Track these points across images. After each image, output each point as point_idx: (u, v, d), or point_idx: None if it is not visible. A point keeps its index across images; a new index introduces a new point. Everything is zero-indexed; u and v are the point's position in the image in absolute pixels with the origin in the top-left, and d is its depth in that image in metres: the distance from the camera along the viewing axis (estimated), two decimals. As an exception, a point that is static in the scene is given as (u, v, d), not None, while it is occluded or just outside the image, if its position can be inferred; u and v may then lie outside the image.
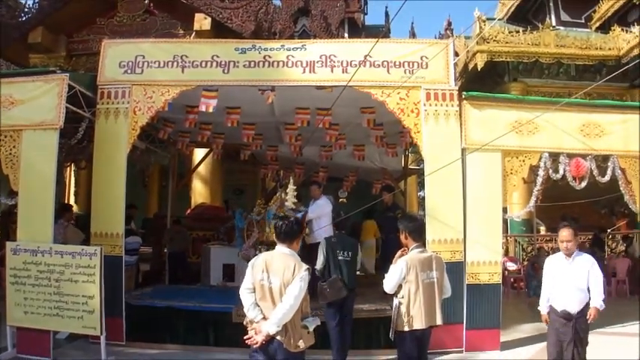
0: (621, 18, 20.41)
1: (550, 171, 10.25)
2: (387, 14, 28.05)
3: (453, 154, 9.72)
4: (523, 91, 18.91)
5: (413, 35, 25.84)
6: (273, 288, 5.47)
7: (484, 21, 19.02)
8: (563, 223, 7.48)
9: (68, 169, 18.80)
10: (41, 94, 9.45)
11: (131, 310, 10.08)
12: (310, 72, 10.21)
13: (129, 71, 10.35)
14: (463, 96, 10.19)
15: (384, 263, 9.63)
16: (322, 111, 11.00)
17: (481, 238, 9.86)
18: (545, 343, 10.02)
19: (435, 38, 19.86)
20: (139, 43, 11.03)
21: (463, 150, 9.95)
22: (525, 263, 17.17)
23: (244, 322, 5.67)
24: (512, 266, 16.60)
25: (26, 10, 17.75)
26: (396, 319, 6.65)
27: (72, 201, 20.15)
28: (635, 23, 18.52)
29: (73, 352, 9.37)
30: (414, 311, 6.48)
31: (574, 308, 7.14)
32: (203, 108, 10.31)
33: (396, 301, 6.69)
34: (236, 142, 14.60)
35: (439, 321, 6.61)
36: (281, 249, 5.76)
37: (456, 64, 10.52)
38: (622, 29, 19.04)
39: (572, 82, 19.02)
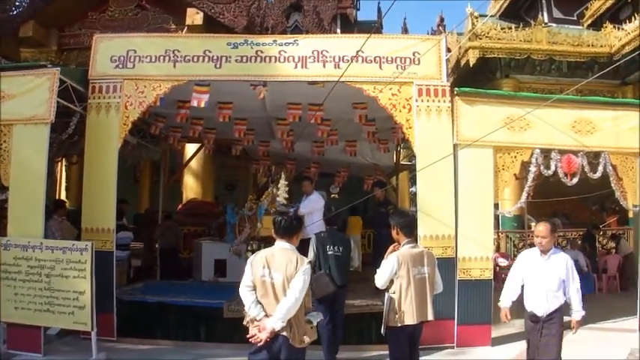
0: (613, 15, 20.42)
1: (541, 167, 10.26)
2: (379, 10, 28.01)
3: (445, 150, 9.73)
4: (515, 88, 18.89)
5: (405, 31, 25.76)
6: (275, 283, 5.43)
7: (476, 17, 19.01)
8: (549, 218, 7.30)
9: (59, 164, 18.72)
10: (32, 88, 9.42)
11: (122, 306, 10.07)
12: (302, 67, 10.22)
13: (120, 66, 10.33)
14: (455, 92, 10.20)
15: (375, 259, 9.63)
16: (314, 106, 10.99)
17: (472, 233, 9.88)
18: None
19: (428, 34, 19.81)
20: (131, 38, 11.04)
21: (455, 146, 9.96)
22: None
23: (245, 322, 5.61)
24: (503, 262, 16.59)
25: (17, 3, 17.66)
26: (388, 314, 6.65)
27: (63, 196, 20.06)
28: (627, 20, 18.54)
29: (64, 348, 9.35)
30: (405, 307, 6.48)
31: (541, 311, 6.80)
32: (195, 103, 10.31)
33: (387, 297, 6.69)
34: (228, 138, 14.62)
35: (430, 316, 6.62)
36: (281, 244, 5.71)
37: (448, 60, 10.53)
38: (614, 26, 19.03)
39: (564, 79, 19.00)
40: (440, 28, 22.91)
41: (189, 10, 16.46)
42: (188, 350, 9.55)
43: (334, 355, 8.67)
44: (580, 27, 21.47)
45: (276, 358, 5.39)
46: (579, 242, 16.84)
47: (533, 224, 19.68)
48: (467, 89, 10.59)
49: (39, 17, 17.02)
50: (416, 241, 7.56)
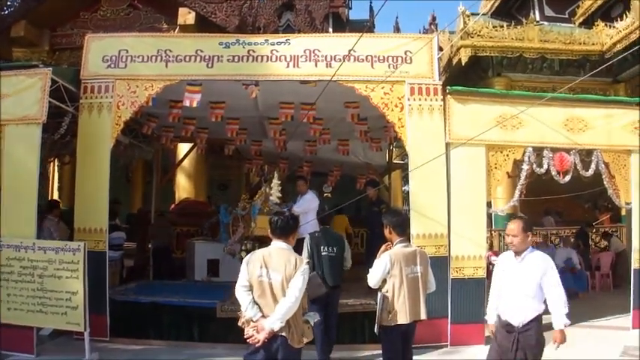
0: (605, 13, 20.47)
1: (534, 165, 10.29)
2: (371, 9, 27.97)
3: (437, 149, 9.74)
4: (507, 86, 18.91)
5: (397, 30, 25.73)
6: (273, 284, 5.43)
7: (468, 16, 19.01)
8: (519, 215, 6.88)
9: (52, 164, 18.69)
10: (24, 88, 9.40)
11: (115, 306, 10.05)
12: (294, 66, 10.22)
13: (112, 66, 10.31)
14: (447, 90, 10.22)
15: (368, 258, 9.64)
16: (306, 105, 10.99)
17: (465, 232, 9.89)
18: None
19: (420, 33, 19.82)
20: (123, 38, 11.02)
21: (447, 144, 9.98)
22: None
23: (240, 323, 5.60)
24: (496, 260, 16.61)
25: (9, 3, 17.67)
26: (381, 313, 6.66)
27: (56, 196, 20.03)
28: (619, 18, 18.58)
29: (57, 349, 9.32)
30: (398, 306, 6.49)
31: (517, 319, 6.04)
32: (187, 103, 10.30)
33: (380, 296, 6.70)
34: (220, 137, 14.60)
35: (423, 315, 6.62)
36: (278, 244, 5.72)
37: (440, 59, 10.55)
38: (605, 24, 19.08)
39: (555, 77, 19.05)
40: (432, 26, 22.88)
41: (181, 10, 16.44)
42: (181, 350, 9.53)
43: (328, 354, 8.67)
44: (572, 25, 21.51)
45: (273, 358, 5.39)
46: (572, 240, 16.89)
47: (525, 222, 19.77)
48: (459, 88, 10.61)
49: (31, 17, 16.97)
50: (409, 240, 7.57)
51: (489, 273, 14.19)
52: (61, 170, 20.65)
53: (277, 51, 10.28)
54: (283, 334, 5.33)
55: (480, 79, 19.89)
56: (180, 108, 11.15)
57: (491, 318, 6.55)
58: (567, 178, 10.40)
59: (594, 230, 18.69)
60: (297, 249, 8.64)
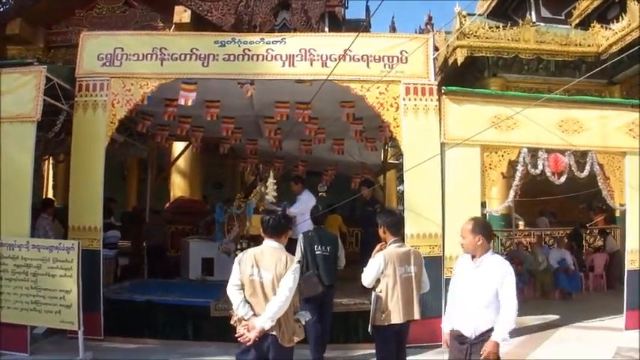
0: (601, 15, 20.50)
1: (529, 166, 10.31)
2: (367, 9, 28.05)
3: (432, 149, 9.77)
4: (503, 87, 18.91)
5: (393, 30, 25.75)
6: (264, 283, 5.45)
7: (464, 16, 19.00)
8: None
9: (46, 162, 18.64)
10: (18, 86, 9.37)
11: (109, 305, 10.04)
12: (290, 65, 10.21)
13: (107, 64, 10.29)
14: (442, 91, 10.23)
15: (362, 257, 9.64)
16: (302, 105, 11.03)
17: (459, 232, 9.88)
18: (523, 337, 10.17)
19: (416, 33, 19.84)
20: (118, 36, 10.96)
21: (442, 145, 10.00)
22: (504, 257, 17.21)
23: (232, 322, 5.61)
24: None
25: (4, 1, 17.61)
26: (374, 313, 6.68)
27: (50, 194, 20.00)
28: (615, 20, 18.61)
29: (51, 347, 9.31)
30: (391, 305, 6.50)
31: (469, 329, 5.56)
32: (182, 101, 10.29)
33: (374, 296, 6.71)
34: (215, 136, 14.57)
35: (417, 315, 6.64)
36: (269, 243, 5.73)
37: (435, 59, 10.59)
38: (601, 26, 19.09)
39: (551, 78, 19.05)
40: (428, 26, 22.93)
41: (177, 8, 16.38)
42: (175, 349, 9.53)
43: (322, 353, 8.67)
44: (568, 26, 21.55)
45: (264, 357, 5.40)
46: (566, 241, 16.94)
47: (520, 223, 19.89)
48: (454, 88, 10.62)
49: (26, 14, 16.89)
50: (403, 240, 7.58)
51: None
52: (55, 168, 20.58)
53: (273, 50, 10.27)
54: (274, 333, 5.34)
55: (476, 79, 19.89)
56: (175, 106, 11.12)
57: (446, 326, 6.02)
58: (562, 179, 10.43)
59: (588, 231, 18.74)
60: (292, 248, 8.71)
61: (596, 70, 11.96)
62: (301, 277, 8.33)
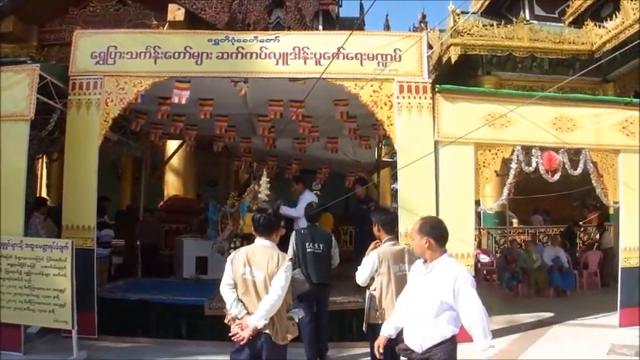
0: (594, 13, 20.55)
1: (522, 164, 10.33)
2: (361, 7, 28.01)
3: (426, 147, 9.76)
4: (496, 85, 18.98)
5: (387, 28, 25.84)
6: (256, 281, 5.45)
7: (458, 14, 19.05)
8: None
9: (40, 160, 18.62)
10: (11, 84, 9.32)
11: (103, 304, 10.00)
12: (283, 64, 10.20)
13: (101, 62, 10.26)
14: (436, 89, 10.24)
15: (357, 256, 9.64)
16: (295, 103, 11.00)
17: (453, 230, 9.75)
18: (517, 335, 10.18)
19: (410, 31, 19.84)
20: (112, 34, 10.92)
21: (436, 143, 10.00)
22: (498, 255, 17.30)
23: (226, 320, 5.61)
24: (484, 258, 16.71)
25: (-3, -1, 17.53)
26: (369, 311, 6.69)
27: (44, 193, 19.96)
28: (608, 18, 18.65)
29: (45, 347, 9.28)
30: (386, 304, 6.51)
31: (416, 343, 4.89)
32: (175, 99, 10.26)
33: (368, 294, 6.72)
34: (209, 134, 14.53)
35: (411, 314, 6.63)
36: (261, 241, 5.72)
37: (429, 57, 10.56)
38: (595, 24, 19.16)
39: (545, 76, 19.13)
40: (422, 25, 22.98)
41: (171, 6, 16.36)
42: (169, 348, 9.51)
43: (324, 353, 8.63)
44: (561, 24, 21.62)
45: (258, 355, 5.40)
46: (560, 239, 16.99)
47: (514, 221, 19.95)
48: (448, 86, 10.64)
49: (19, 12, 16.85)
50: (397, 238, 7.57)
51: (478, 271, 14.29)
52: (49, 167, 20.56)
53: (266, 48, 10.26)
54: (267, 331, 5.35)
55: (470, 77, 19.93)
56: (169, 105, 11.09)
57: (385, 329, 5.45)
58: (556, 176, 10.46)
59: (582, 229, 18.81)
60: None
61: (590, 67, 12.00)
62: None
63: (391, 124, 10.09)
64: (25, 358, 8.75)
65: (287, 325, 5.59)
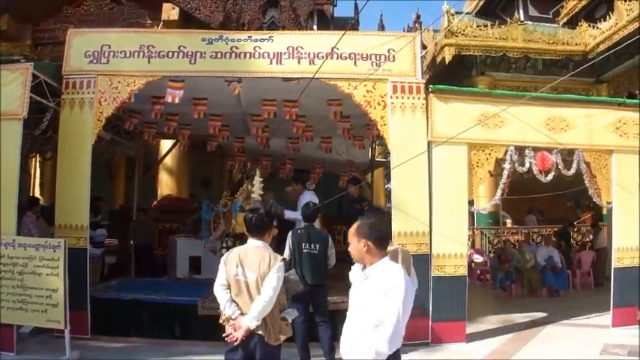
0: (588, 14, 20.63)
1: (516, 164, 10.35)
2: (356, 6, 28.01)
3: (420, 147, 9.75)
4: (490, 85, 19.03)
5: (382, 28, 25.78)
6: (249, 282, 5.42)
7: (452, 15, 19.11)
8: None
9: (33, 159, 18.57)
10: (5, 83, 9.30)
11: (96, 304, 9.97)
12: (277, 63, 10.19)
13: (94, 61, 10.24)
14: (430, 89, 10.24)
15: (350, 255, 9.63)
16: (289, 103, 11.00)
17: (447, 230, 9.92)
18: (511, 335, 10.20)
19: (404, 31, 19.83)
20: (105, 33, 10.90)
21: (429, 143, 10.00)
22: (491, 255, 17.34)
23: (220, 321, 5.60)
24: (478, 258, 16.76)
25: (-10, -3, 17.49)
26: (361, 311, 6.67)
27: (37, 192, 19.93)
28: (602, 19, 18.71)
29: (37, 347, 9.27)
30: (378, 304, 6.49)
31: (349, 356, 4.41)
32: (169, 99, 10.24)
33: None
34: (202, 134, 14.52)
35: (403, 314, 6.60)
36: (253, 242, 5.68)
37: (423, 57, 10.57)
38: (589, 25, 19.25)
39: (539, 77, 19.19)
40: (416, 25, 22.96)
41: (165, 5, 16.36)
42: (163, 348, 9.50)
43: (332, 354, 8.57)
44: (555, 25, 21.68)
45: (251, 356, 5.39)
46: (554, 239, 17.02)
47: (508, 221, 19.99)
48: (441, 86, 10.64)
49: (13, 11, 16.83)
50: (390, 238, 7.56)
51: (471, 271, 14.32)
52: (42, 166, 20.53)
53: (260, 48, 10.26)
54: (260, 332, 5.33)
55: (464, 77, 19.98)
56: (162, 104, 11.06)
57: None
58: (549, 177, 10.48)
59: (575, 229, 18.85)
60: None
61: (583, 67, 12.02)
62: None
63: (384, 124, 10.10)
64: (18, 358, 8.73)
65: (280, 325, 5.58)
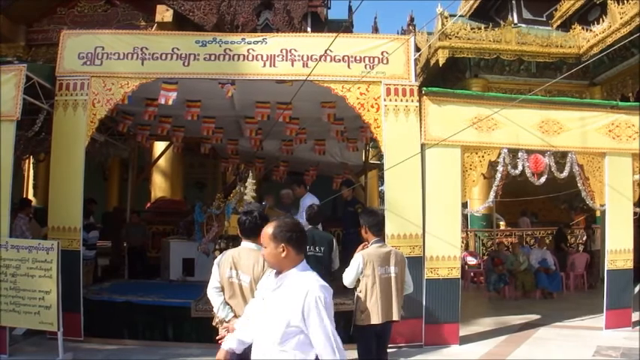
0: (582, 17, 20.66)
1: (509, 167, 10.36)
2: (350, 9, 28.07)
3: (413, 150, 9.77)
4: (484, 88, 19.05)
5: (376, 30, 25.81)
6: (243, 285, 5.43)
7: (446, 17, 19.12)
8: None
9: (27, 161, 18.56)
10: (-2, 84, 9.30)
11: (89, 306, 9.94)
12: (271, 66, 10.18)
13: (88, 63, 10.21)
14: (423, 91, 10.25)
15: (344, 258, 9.63)
16: (282, 105, 10.98)
17: (440, 232, 9.92)
18: (504, 337, 10.21)
19: (398, 33, 19.89)
20: (99, 35, 10.87)
21: (423, 145, 10.00)
22: (485, 258, 17.37)
23: (214, 323, 5.60)
24: (472, 260, 16.79)
25: (-16, -2, 17.46)
26: (355, 313, 6.69)
27: (31, 194, 19.91)
28: (596, 22, 18.76)
29: (30, 348, 9.26)
30: (370, 306, 6.51)
31: None
32: (162, 101, 10.22)
33: (355, 296, 6.73)
34: (196, 136, 14.51)
35: (396, 316, 6.62)
36: (247, 244, 5.67)
37: (417, 60, 10.60)
38: (582, 28, 19.29)
39: (532, 79, 19.22)
40: (410, 27, 22.99)
41: (159, 7, 16.33)
42: (156, 350, 9.49)
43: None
44: (549, 28, 21.72)
45: (245, 358, 5.38)
46: (547, 241, 17.07)
47: (502, 223, 20.02)
48: (435, 89, 10.65)
49: (7, 12, 16.79)
50: (384, 239, 7.57)
51: (464, 273, 14.34)
52: (36, 168, 20.52)
53: (254, 50, 10.24)
54: None
55: (458, 80, 20.01)
56: (155, 106, 11.06)
57: (227, 342, 4.56)
58: (542, 179, 10.49)
59: (570, 231, 18.91)
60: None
61: (576, 69, 12.05)
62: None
63: (378, 127, 10.09)
64: (10, 360, 8.72)
65: (274, 328, 5.58)
